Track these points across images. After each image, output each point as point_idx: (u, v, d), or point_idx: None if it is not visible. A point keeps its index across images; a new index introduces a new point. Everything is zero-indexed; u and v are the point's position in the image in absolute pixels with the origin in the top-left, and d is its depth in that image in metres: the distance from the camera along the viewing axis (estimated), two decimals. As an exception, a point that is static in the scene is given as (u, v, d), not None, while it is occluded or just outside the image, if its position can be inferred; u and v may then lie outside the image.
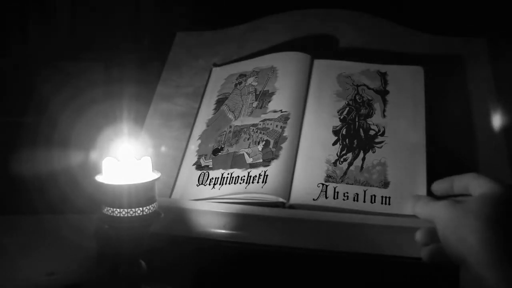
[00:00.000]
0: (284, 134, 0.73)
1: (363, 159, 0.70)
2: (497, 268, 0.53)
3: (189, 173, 0.74)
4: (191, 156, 0.76)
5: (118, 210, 0.59)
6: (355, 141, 0.72)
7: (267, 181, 0.68)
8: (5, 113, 1.01)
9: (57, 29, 1.05)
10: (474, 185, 0.60)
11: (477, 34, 0.84)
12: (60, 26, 1.05)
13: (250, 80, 0.81)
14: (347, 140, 0.72)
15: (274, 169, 0.69)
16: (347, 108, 0.75)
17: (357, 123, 0.73)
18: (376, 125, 0.73)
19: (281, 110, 0.75)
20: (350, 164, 0.70)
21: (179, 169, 0.75)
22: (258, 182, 0.69)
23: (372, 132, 0.72)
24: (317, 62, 0.81)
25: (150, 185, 0.60)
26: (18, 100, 1.02)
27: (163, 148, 0.78)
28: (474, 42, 0.84)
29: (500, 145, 0.73)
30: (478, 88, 0.78)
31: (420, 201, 0.64)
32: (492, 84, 0.78)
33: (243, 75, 0.82)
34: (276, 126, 0.74)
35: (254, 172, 0.70)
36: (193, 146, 0.77)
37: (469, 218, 0.56)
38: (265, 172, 0.69)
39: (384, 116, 0.74)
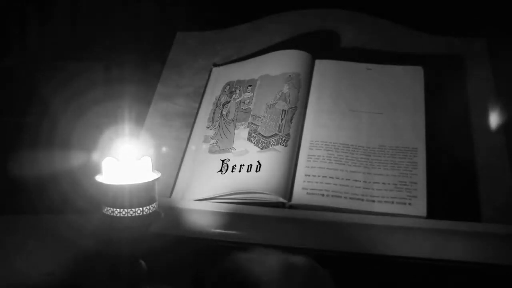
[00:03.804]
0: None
1: None
2: None
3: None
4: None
5: (118, 210, 0.59)
6: None
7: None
8: (5, 113, 1.01)
9: (57, 29, 1.05)
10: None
11: (477, 34, 0.84)
12: (60, 26, 1.05)
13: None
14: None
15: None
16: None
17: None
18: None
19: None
20: None
21: (179, 169, 0.75)
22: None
23: None
24: (318, 62, 0.81)
25: (150, 185, 0.60)
26: (18, 100, 1.02)
27: (163, 148, 0.78)
28: (474, 42, 0.84)
29: (500, 145, 0.72)
30: (478, 88, 0.78)
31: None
32: (492, 84, 0.78)
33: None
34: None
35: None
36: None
37: None
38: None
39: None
